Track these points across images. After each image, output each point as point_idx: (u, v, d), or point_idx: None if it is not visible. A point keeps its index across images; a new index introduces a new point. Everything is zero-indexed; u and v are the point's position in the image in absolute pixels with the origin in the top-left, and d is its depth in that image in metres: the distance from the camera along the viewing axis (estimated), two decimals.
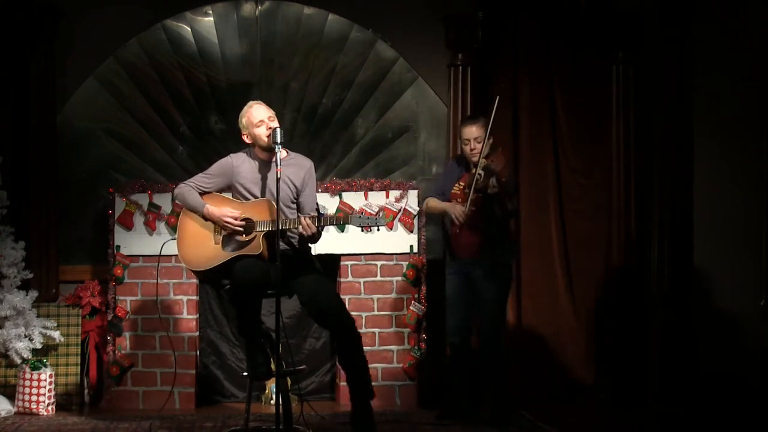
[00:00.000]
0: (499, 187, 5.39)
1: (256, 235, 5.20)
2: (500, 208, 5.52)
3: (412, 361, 6.49)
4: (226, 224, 5.25)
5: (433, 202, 5.88)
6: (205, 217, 5.31)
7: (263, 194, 5.31)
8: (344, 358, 5.30)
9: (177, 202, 5.51)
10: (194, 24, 6.75)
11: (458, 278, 5.81)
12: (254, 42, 6.76)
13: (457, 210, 5.64)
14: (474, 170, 5.59)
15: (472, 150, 5.69)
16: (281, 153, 5.13)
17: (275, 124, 5.29)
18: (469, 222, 5.63)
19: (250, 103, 5.43)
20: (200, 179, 5.42)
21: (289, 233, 5.29)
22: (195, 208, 5.33)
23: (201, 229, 5.34)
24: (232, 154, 5.46)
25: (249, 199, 5.33)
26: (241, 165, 5.37)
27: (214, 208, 5.29)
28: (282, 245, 5.13)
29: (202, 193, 5.38)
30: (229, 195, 5.45)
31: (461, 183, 5.77)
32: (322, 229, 5.32)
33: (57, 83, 6.66)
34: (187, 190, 5.38)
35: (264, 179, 5.32)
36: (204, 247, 5.30)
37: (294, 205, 5.38)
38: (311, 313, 5.36)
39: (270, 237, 5.18)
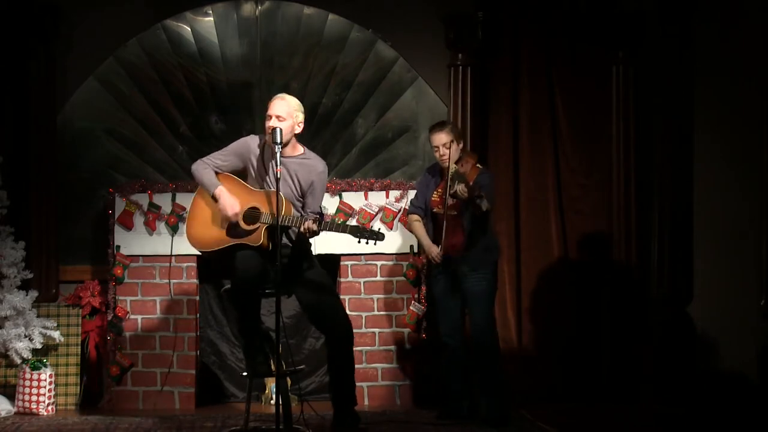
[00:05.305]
0: (468, 192, 5.41)
1: (260, 226, 5.21)
2: (475, 210, 5.55)
3: (412, 361, 6.49)
4: (224, 213, 5.27)
5: (417, 229, 5.90)
6: (214, 198, 5.31)
7: (267, 183, 5.32)
8: (333, 365, 5.37)
9: (193, 176, 5.47)
10: (194, 24, 6.75)
11: (445, 277, 5.82)
12: (254, 42, 6.76)
13: (433, 252, 5.73)
14: (447, 176, 5.62)
15: (441, 156, 5.72)
16: (299, 149, 5.33)
17: (276, 124, 5.27)
18: (451, 223, 5.65)
19: (278, 95, 5.46)
20: (216, 157, 5.45)
21: (291, 229, 5.30)
22: (208, 187, 5.35)
23: (211, 210, 5.35)
24: (252, 135, 5.49)
25: (256, 181, 5.36)
26: (257, 148, 5.40)
27: (224, 194, 5.28)
28: (283, 240, 5.14)
29: (218, 173, 5.40)
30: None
31: (439, 189, 5.79)
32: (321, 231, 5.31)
33: (57, 83, 6.65)
34: (203, 167, 5.39)
35: (271, 168, 5.32)
36: (211, 229, 5.33)
37: (299, 203, 5.39)
38: (308, 313, 5.40)
39: (272, 230, 5.19)
